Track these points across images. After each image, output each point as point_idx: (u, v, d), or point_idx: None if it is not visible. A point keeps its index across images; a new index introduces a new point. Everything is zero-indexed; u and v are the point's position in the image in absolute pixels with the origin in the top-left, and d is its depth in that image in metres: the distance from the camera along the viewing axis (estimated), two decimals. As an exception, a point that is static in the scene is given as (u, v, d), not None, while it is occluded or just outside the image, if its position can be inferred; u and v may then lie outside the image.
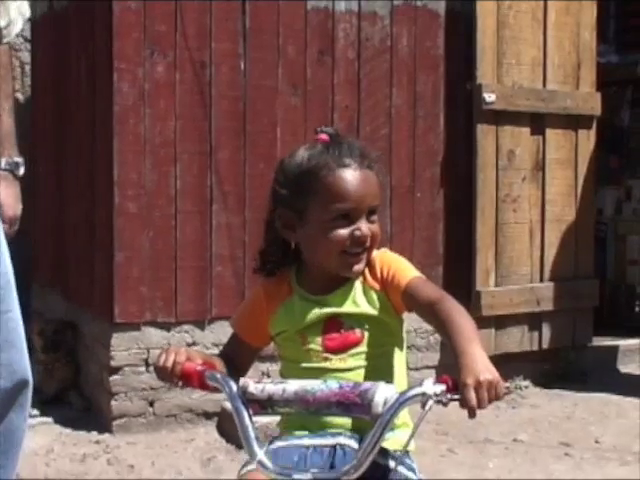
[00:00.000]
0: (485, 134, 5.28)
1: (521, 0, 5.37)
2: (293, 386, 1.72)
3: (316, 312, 2.02)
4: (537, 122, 5.48)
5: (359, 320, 2.02)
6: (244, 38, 4.73)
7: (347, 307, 2.02)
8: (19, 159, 2.35)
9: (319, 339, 2.01)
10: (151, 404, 4.60)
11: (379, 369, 2.01)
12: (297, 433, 1.99)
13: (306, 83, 4.87)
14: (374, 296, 2.03)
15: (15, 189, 2.35)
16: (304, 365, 2.01)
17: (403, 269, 2.03)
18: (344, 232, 1.96)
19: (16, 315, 2.23)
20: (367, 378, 1.94)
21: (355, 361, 2.00)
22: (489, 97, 5.21)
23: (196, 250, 4.65)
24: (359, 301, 2.03)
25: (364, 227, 1.96)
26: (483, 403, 1.63)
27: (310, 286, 2.05)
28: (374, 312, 2.02)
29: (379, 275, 2.03)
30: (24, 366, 2.26)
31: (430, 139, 5.22)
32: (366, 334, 2.01)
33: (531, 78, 5.45)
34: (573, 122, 5.63)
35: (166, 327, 4.62)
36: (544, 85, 5.51)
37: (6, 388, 2.20)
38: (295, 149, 2.06)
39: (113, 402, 4.54)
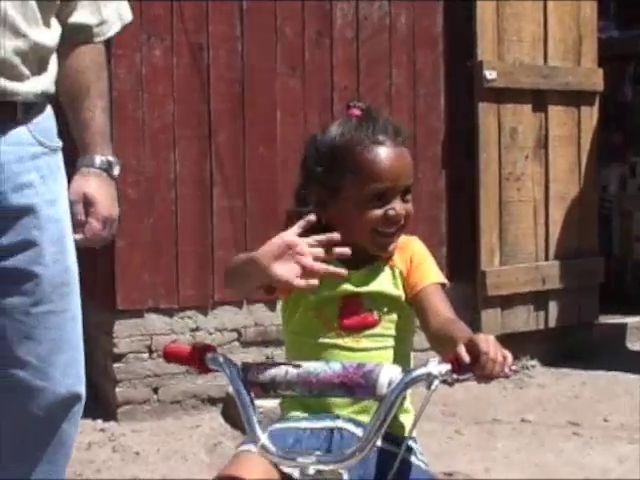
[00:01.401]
0: (487, 112, 5.23)
1: (521, -24, 5.32)
2: (296, 368, 1.69)
3: (339, 286, 1.97)
4: (539, 99, 5.42)
5: (379, 302, 1.98)
6: (241, 20, 4.68)
7: (370, 286, 1.99)
8: (113, 158, 2.29)
9: (336, 315, 1.97)
10: (155, 391, 4.58)
11: (395, 354, 1.97)
12: (295, 415, 1.96)
13: (304, 64, 4.82)
14: (398, 277, 2.00)
15: (110, 189, 2.27)
16: (316, 340, 1.97)
17: (429, 269, 2.01)
18: (378, 212, 1.93)
19: (74, 315, 2.15)
20: (382, 361, 1.90)
21: (369, 342, 1.97)
22: (490, 74, 5.15)
23: (197, 235, 4.61)
24: (384, 281, 2.00)
25: (398, 207, 1.93)
26: (503, 365, 1.62)
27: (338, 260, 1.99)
28: (396, 293, 1.99)
29: (409, 261, 2.01)
30: (79, 372, 2.19)
31: (431, 118, 5.17)
32: (384, 317, 1.98)
33: (532, 54, 5.40)
34: (575, 98, 5.58)
35: (168, 313, 4.59)
36: (545, 61, 5.45)
37: (60, 393, 2.12)
38: (328, 125, 2.01)
39: (117, 389, 4.52)
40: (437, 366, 1.62)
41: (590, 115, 5.66)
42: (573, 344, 5.56)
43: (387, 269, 2.01)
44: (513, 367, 1.65)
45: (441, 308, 1.94)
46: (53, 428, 2.13)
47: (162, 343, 4.48)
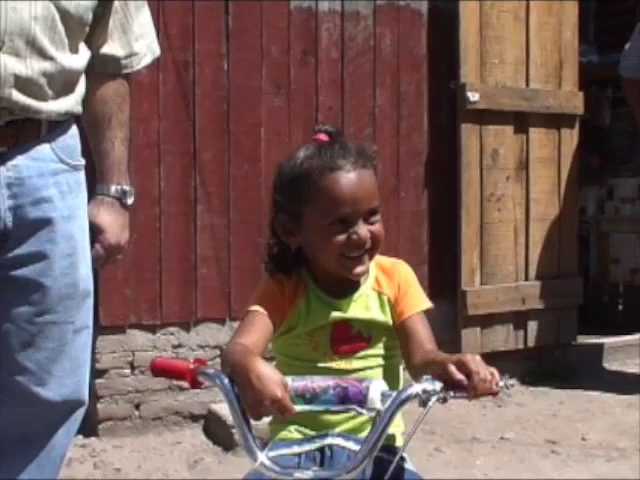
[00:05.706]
0: (469, 133, 5.29)
1: (504, 0, 5.38)
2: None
3: (328, 315, 1.99)
4: (520, 121, 5.48)
5: (368, 326, 2.00)
6: (227, 38, 4.71)
7: (358, 312, 2.00)
8: (128, 188, 2.36)
9: (327, 341, 1.99)
10: (137, 407, 4.57)
11: (385, 372, 1.99)
12: (286, 437, 1.97)
13: (290, 83, 4.85)
14: (386, 303, 2.02)
15: (121, 217, 2.34)
16: (308, 364, 1.98)
17: (415, 296, 2.03)
18: (341, 237, 1.92)
19: (77, 327, 2.18)
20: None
21: (361, 363, 1.99)
22: (473, 96, 5.21)
23: (181, 252, 4.62)
24: (371, 307, 2.01)
25: (361, 230, 1.92)
26: (492, 382, 1.66)
27: (325, 287, 2.01)
28: (385, 319, 2.01)
29: (397, 288, 2.02)
30: (77, 382, 2.22)
31: (414, 139, 5.21)
32: (374, 339, 2.00)
33: (514, 77, 5.46)
34: (556, 121, 5.64)
35: (151, 329, 4.58)
36: (527, 84, 5.52)
37: (55, 402, 2.16)
38: (294, 151, 2.00)
39: (99, 405, 4.50)
40: (431, 383, 1.65)
41: (570, 138, 5.72)
42: (551, 363, 5.60)
43: (374, 295, 2.02)
44: (500, 384, 1.69)
45: (424, 340, 1.96)
46: (46, 433, 2.19)
47: (144, 359, 4.49)
